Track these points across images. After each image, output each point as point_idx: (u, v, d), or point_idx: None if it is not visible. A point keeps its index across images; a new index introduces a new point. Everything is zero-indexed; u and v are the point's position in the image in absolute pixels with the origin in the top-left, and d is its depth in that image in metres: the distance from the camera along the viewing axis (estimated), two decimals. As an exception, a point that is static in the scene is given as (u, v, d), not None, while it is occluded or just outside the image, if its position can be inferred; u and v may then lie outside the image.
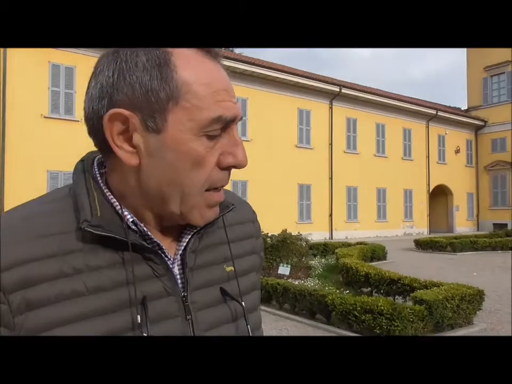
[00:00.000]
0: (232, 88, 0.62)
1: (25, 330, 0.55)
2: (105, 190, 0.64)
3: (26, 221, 0.59)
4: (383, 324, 4.92)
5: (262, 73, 18.51)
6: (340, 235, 20.81)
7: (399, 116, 24.68)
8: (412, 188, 25.24)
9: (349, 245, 13.48)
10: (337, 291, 6.93)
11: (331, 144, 21.79)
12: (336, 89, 21.53)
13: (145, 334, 0.58)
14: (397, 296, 6.87)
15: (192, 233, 0.68)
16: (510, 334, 5.44)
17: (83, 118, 0.66)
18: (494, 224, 26.76)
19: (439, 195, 27.38)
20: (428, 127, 26.26)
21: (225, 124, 0.60)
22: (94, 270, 0.59)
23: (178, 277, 0.66)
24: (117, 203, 0.63)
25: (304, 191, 20.46)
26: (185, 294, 0.65)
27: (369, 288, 7.69)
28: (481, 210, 28.63)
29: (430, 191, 26.34)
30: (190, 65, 0.58)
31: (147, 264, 0.63)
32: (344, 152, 22.42)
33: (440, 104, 29.35)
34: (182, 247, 0.67)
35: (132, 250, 0.60)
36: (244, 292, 0.73)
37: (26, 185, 13.48)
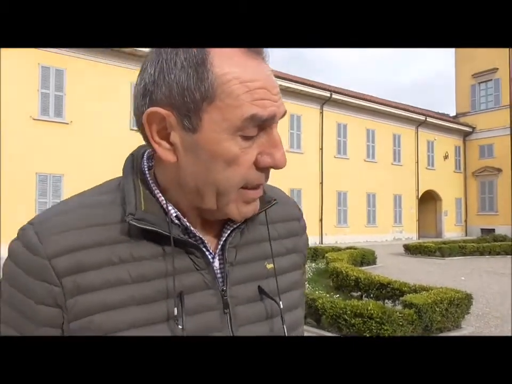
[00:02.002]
0: (274, 86, 0.61)
1: (73, 314, 0.58)
2: (152, 184, 0.66)
3: (80, 210, 0.63)
4: (373, 327, 4.94)
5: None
6: (330, 240, 20.86)
7: (389, 122, 24.89)
8: (401, 193, 25.43)
9: (339, 249, 13.51)
10: (327, 295, 6.94)
11: (321, 149, 21.89)
12: (327, 94, 21.67)
13: (180, 327, 0.60)
14: (386, 300, 6.90)
15: (231, 228, 0.68)
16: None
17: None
18: (481, 229, 27.05)
19: (428, 200, 27.62)
20: (417, 132, 26.51)
21: (262, 123, 0.59)
22: (138, 260, 0.62)
23: (218, 271, 0.67)
24: (163, 198, 0.65)
25: (295, 196, 20.49)
26: (224, 288, 0.66)
27: (359, 292, 7.72)
28: (469, 215, 28.93)
29: (419, 196, 26.55)
30: (227, 63, 0.58)
31: (188, 257, 0.64)
32: (335, 157, 22.52)
33: (429, 110, 29.68)
34: (222, 242, 0.68)
35: (175, 244, 0.62)
36: (283, 290, 0.72)
37: (15, 187, 13.32)
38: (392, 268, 11.85)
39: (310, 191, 21.17)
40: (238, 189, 0.62)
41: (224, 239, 0.68)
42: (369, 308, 5.07)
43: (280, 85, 0.68)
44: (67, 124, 14.67)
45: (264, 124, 0.60)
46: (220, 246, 0.68)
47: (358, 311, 5.14)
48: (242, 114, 0.57)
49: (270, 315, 0.71)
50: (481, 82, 28.63)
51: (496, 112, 27.56)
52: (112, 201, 0.65)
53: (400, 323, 5.01)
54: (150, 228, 0.61)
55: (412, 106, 28.35)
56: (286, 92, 20.15)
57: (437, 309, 5.47)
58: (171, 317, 0.61)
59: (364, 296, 7.53)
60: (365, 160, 23.85)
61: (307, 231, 0.90)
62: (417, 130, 26.51)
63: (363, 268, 10.35)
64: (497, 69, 27.32)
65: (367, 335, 4.97)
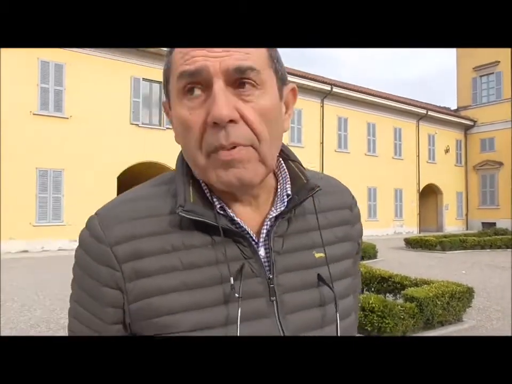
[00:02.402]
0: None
1: (133, 296, 0.64)
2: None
3: (136, 202, 0.69)
4: (375, 321, 4.96)
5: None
6: (330, 233, 20.86)
7: (390, 115, 24.83)
8: (402, 187, 25.42)
9: (339, 243, 13.51)
10: (328, 289, 6.95)
11: (322, 143, 21.87)
12: (328, 88, 21.61)
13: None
14: (387, 294, 6.91)
15: (271, 217, 0.69)
16: (498, 331, 5.51)
17: None
18: (482, 223, 27.06)
19: (429, 194, 27.61)
20: (418, 126, 26.46)
21: (198, 79, 0.61)
22: (189, 249, 0.66)
23: (265, 259, 0.69)
24: (207, 190, 0.69)
25: (296, 190, 20.46)
26: (271, 276, 0.68)
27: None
28: (470, 209, 28.93)
29: (420, 190, 26.55)
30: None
31: (237, 246, 0.67)
32: (335, 151, 22.51)
33: (430, 104, 29.59)
34: (265, 231, 0.70)
35: (222, 234, 0.65)
36: (334, 278, 0.72)
37: (15, 182, 13.33)
38: (393, 262, 11.88)
39: (311, 185, 21.13)
40: (207, 153, 0.62)
41: (267, 228, 0.70)
42: (370, 302, 5.09)
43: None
44: (67, 118, 14.65)
45: (205, 81, 0.61)
46: (264, 235, 0.70)
47: (360, 305, 5.16)
48: (175, 74, 0.63)
49: (321, 302, 0.71)
50: (483, 75, 28.51)
51: (497, 106, 27.47)
52: (166, 193, 0.70)
53: (402, 317, 5.03)
54: (198, 218, 0.65)
55: (412, 99, 28.27)
56: (287, 85, 20.08)
57: (438, 303, 5.49)
58: (220, 302, 0.64)
59: (365, 289, 7.55)
60: (365, 154, 23.82)
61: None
62: (418, 124, 26.45)
63: (364, 262, 10.37)
64: (499, 62, 27.18)
65: (369, 329, 4.99)
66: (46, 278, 8.55)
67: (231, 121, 0.60)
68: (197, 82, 0.61)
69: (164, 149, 16.20)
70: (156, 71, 15.97)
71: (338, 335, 0.69)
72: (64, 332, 5.09)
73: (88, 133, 14.91)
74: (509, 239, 16.33)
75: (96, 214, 0.69)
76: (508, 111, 26.57)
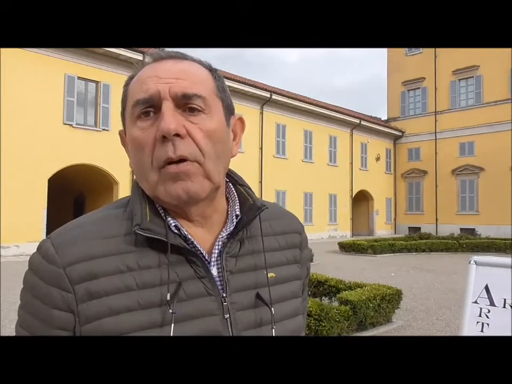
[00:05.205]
0: (170, 71, 0.67)
1: (85, 318, 0.64)
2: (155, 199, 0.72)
3: (92, 224, 0.69)
4: (312, 324, 5.09)
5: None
6: (268, 238, 21.06)
7: (326, 124, 25.71)
8: (336, 192, 26.37)
9: (277, 247, 13.69)
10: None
11: (261, 148, 22.15)
12: (267, 95, 21.94)
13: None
14: (323, 297, 7.13)
15: (222, 237, 0.73)
16: (423, 330, 5.90)
17: None
18: (409, 227, 28.77)
19: (361, 200, 28.88)
20: (352, 135, 27.63)
21: (151, 103, 0.66)
22: (144, 269, 0.67)
23: (218, 279, 0.71)
24: (162, 210, 0.71)
25: (234, 194, 20.45)
26: (224, 295, 0.70)
27: (297, 290, 7.88)
28: (398, 214, 30.65)
29: (353, 195, 27.69)
30: (140, 72, 0.69)
31: (190, 266, 0.69)
32: (274, 156, 22.89)
33: (363, 114, 31.00)
34: (217, 251, 0.72)
35: (176, 253, 0.68)
36: (284, 298, 0.77)
37: None
38: (328, 265, 12.26)
39: (250, 190, 21.25)
40: (158, 168, 0.66)
41: (219, 248, 0.72)
42: (308, 306, 5.22)
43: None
44: (-8, 115, 13.63)
45: (156, 104, 0.66)
46: (216, 255, 0.72)
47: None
48: (131, 101, 0.68)
49: (266, 321, 0.73)
50: (410, 89, 30.43)
51: (423, 118, 29.46)
52: (122, 215, 0.71)
53: (337, 319, 5.22)
54: (155, 236, 0.66)
55: (347, 109, 29.45)
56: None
57: (370, 305, 5.75)
58: (167, 321, 0.65)
59: (302, 293, 7.71)
60: (302, 161, 24.44)
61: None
62: (352, 133, 27.62)
63: (301, 266, 10.56)
64: (424, 78, 29.19)
65: (306, 333, 5.12)
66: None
67: (178, 135, 0.64)
68: (150, 106, 0.66)
69: (99, 151, 15.54)
70: (91, 70, 15.26)
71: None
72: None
73: (16, 131, 13.96)
74: (432, 243, 17.49)
75: (48, 237, 0.69)
76: (432, 123, 28.57)
